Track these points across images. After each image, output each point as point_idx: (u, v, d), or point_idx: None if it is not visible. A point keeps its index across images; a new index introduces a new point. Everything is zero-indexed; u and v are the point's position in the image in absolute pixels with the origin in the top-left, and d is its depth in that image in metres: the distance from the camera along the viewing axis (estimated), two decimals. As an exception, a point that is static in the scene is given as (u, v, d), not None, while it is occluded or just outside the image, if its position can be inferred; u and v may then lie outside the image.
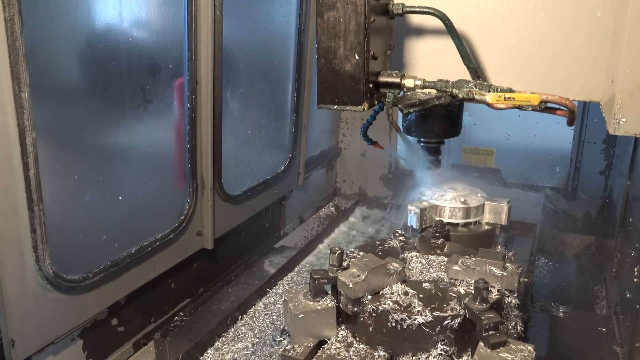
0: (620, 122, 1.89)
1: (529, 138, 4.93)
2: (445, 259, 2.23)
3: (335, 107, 2.11)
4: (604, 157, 4.30)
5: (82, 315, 2.49)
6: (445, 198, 2.71)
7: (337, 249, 2.05)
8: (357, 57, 2.01)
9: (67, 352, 2.52)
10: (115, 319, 2.78)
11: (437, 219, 2.66)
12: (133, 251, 2.71)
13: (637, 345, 2.51)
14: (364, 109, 2.08)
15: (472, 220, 2.72)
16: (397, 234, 2.44)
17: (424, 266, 2.20)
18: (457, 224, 2.69)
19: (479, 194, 2.79)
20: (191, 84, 2.91)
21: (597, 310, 3.57)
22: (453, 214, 2.68)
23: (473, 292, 1.89)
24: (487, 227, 2.76)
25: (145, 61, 2.65)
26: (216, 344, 2.91)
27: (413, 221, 2.63)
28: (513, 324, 2.14)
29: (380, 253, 2.30)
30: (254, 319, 3.13)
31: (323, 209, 4.96)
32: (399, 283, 2.03)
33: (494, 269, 2.04)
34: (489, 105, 2.08)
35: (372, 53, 2.04)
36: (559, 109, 2.09)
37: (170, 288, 3.17)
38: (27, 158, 2.05)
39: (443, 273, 2.15)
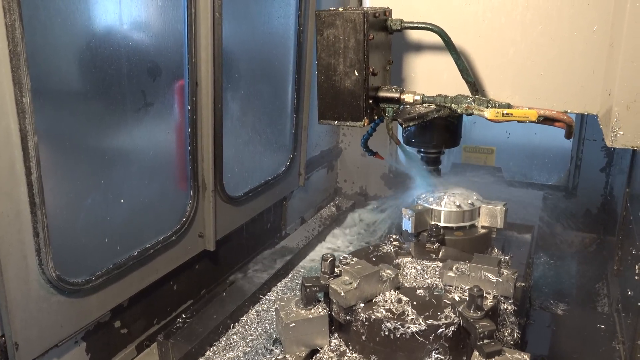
0: (618, 134, 1.90)
1: (529, 136, 4.93)
2: (440, 264, 2.20)
3: (336, 122, 2.14)
4: (604, 155, 4.30)
5: (85, 318, 2.50)
6: (441, 201, 2.70)
7: (328, 255, 2.00)
8: (356, 74, 2.03)
9: (70, 354, 2.53)
10: (118, 321, 2.80)
11: (432, 223, 2.65)
12: (135, 253, 2.72)
13: (639, 343, 2.51)
14: (364, 124, 2.11)
15: (467, 224, 2.71)
16: (391, 239, 2.42)
17: (419, 272, 2.16)
18: (452, 228, 2.68)
19: (475, 197, 2.78)
20: (191, 86, 2.92)
21: (599, 308, 3.57)
22: (448, 218, 2.68)
23: (467, 299, 1.86)
24: (483, 231, 2.75)
25: (145, 64, 2.66)
26: (207, 353, 2.90)
27: (408, 225, 2.63)
28: (509, 330, 2.10)
29: (374, 259, 2.26)
30: (246, 327, 3.12)
31: (324, 209, 4.96)
32: (392, 290, 1.99)
33: (489, 275, 2.01)
34: (488, 119, 2.10)
35: (371, 69, 2.06)
36: (557, 121, 2.10)
37: (173, 290, 3.18)
38: (29, 162, 2.07)
39: (437, 279, 2.11)
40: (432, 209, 2.70)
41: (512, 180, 4.66)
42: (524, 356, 1.76)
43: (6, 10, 1.88)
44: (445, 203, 2.70)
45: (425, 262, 2.25)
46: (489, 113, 2.07)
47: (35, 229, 2.14)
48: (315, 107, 4.38)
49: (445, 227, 2.64)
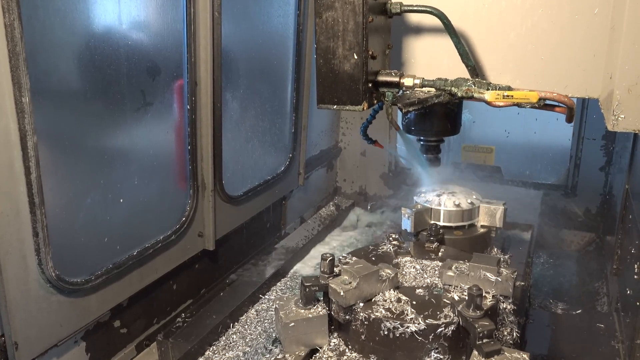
0: (619, 118, 1.88)
1: (528, 135, 4.94)
2: (440, 263, 2.20)
3: (335, 107, 2.10)
4: (604, 154, 4.30)
5: (85, 318, 2.50)
6: (440, 201, 2.70)
7: (328, 255, 2.01)
8: (356, 57, 2.01)
9: (70, 354, 2.53)
10: (118, 321, 2.80)
11: (432, 222, 2.64)
12: (135, 253, 2.72)
13: (638, 342, 2.51)
14: (363, 108, 2.07)
15: (466, 223, 2.71)
16: (390, 238, 2.42)
17: (418, 271, 2.16)
18: (451, 227, 2.68)
19: (474, 196, 2.78)
20: (191, 86, 2.91)
21: (598, 307, 3.57)
22: (447, 217, 2.67)
23: (467, 298, 1.86)
24: (482, 230, 2.74)
25: (144, 64, 2.66)
26: (207, 352, 2.90)
27: (407, 225, 2.62)
28: (509, 330, 2.11)
29: (373, 258, 2.27)
30: (246, 326, 3.12)
31: (324, 209, 4.96)
32: (391, 290, 2.00)
33: (488, 274, 2.01)
34: (488, 103, 2.08)
35: (370, 52, 2.04)
36: (558, 106, 2.09)
37: (172, 289, 3.18)
38: (28, 162, 2.06)
39: (437, 278, 2.11)
40: (431, 208, 2.70)
41: (512, 179, 4.66)
42: (523, 355, 1.76)
43: (5, 10, 1.88)
44: (445, 202, 2.70)
45: (425, 262, 2.25)
46: (489, 95, 2.04)
47: (34, 228, 2.14)
48: (314, 107, 4.38)
49: (444, 227, 2.64)
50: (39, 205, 2.13)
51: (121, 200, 2.64)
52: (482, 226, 2.77)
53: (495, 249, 2.82)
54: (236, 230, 3.63)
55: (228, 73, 3.24)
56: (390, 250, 2.36)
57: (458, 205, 2.69)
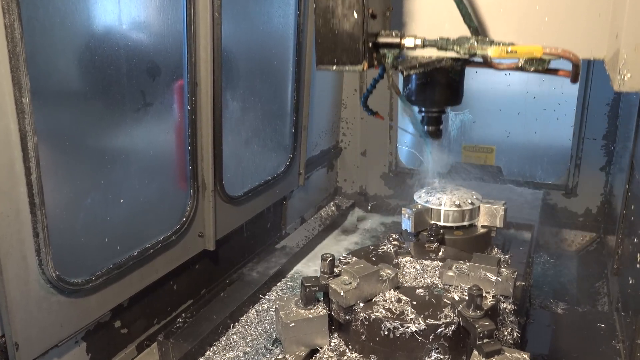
0: (625, 77, 1.85)
1: (529, 135, 4.93)
2: (440, 263, 2.19)
3: (335, 67, 2.05)
4: (604, 154, 4.30)
5: (85, 318, 2.50)
6: (440, 201, 2.70)
7: (328, 255, 2.01)
8: (355, 15, 1.97)
9: (70, 354, 2.53)
10: (119, 321, 2.80)
11: (432, 222, 2.64)
12: (135, 253, 2.72)
13: (639, 342, 2.51)
14: (363, 68, 2.02)
15: (466, 223, 2.71)
16: (391, 239, 2.42)
17: (418, 271, 2.16)
18: (452, 227, 2.68)
19: (474, 196, 2.77)
20: (191, 86, 2.92)
21: (599, 306, 3.57)
22: (447, 217, 2.67)
23: (467, 298, 1.86)
24: (482, 230, 2.74)
25: (144, 64, 2.66)
26: (207, 353, 2.90)
27: (407, 225, 2.62)
28: (509, 330, 2.10)
29: (373, 258, 2.27)
30: (246, 326, 3.12)
31: (324, 209, 4.97)
32: (392, 290, 1.99)
33: (488, 274, 2.01)
34: (491, 64, 2.03)
35: (370, 11, 2.01)
36: (561, 70, 2.06)
37: (173, 290, 3.19)
38: (28, 162, 2.07)
39: (437, 278, 2.11)
40: (431, 208, 2.70)
41: (512, 179, 4.66)
42: (524, 355, 1.76)
43: (5, 11, 1.88)
44: (445, 202, 2.70)
45: (425, 262, 2.25)
46: (492, 51, 1.99)
47: (35, 229, 2.14)
48: (314, 107, 4.39)
49: (444, 227, 2.63)
50: (39, 206, 2.13)
51: (121, 201, 2.65)
52: (482, 226, 2.76)
53: (496, 249, 2.82)
54: (236, 230, 3.63)
55: (228, 73, 3.24)
56: (391, 250, 2.36)
57: (458, 206, 2.69)
